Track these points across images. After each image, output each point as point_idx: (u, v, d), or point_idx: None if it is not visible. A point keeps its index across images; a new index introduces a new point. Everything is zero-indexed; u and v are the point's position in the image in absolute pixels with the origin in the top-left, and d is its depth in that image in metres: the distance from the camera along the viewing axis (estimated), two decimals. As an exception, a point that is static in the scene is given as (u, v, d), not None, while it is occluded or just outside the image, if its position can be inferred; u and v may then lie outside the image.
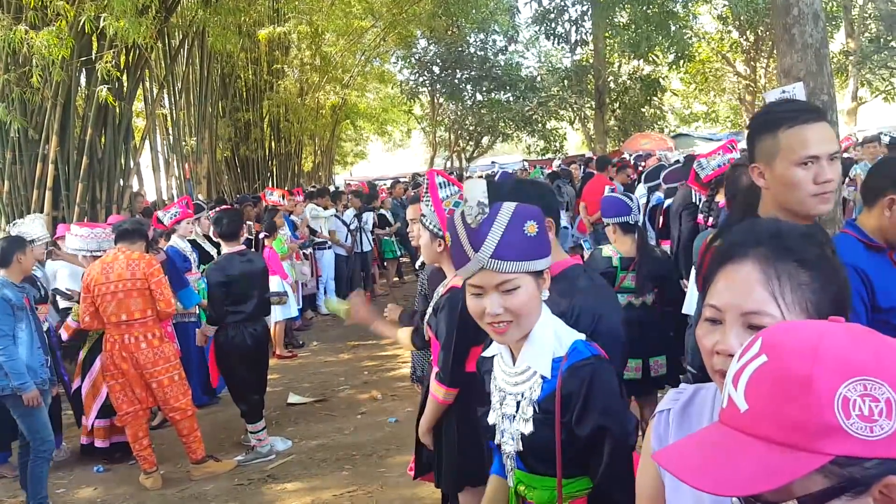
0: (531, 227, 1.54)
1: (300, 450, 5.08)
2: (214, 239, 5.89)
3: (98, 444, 5.06)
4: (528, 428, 1.59)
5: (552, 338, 1.61)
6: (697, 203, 5.12)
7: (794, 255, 1.03)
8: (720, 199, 4.47)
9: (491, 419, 1.70)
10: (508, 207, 1.56)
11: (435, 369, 2.62)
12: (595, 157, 12.84)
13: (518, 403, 1.62)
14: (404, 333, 2.97)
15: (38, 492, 4.20)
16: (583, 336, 1.63)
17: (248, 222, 8.06)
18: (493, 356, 1.75)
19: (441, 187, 2.58)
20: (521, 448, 1.61)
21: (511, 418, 1.63)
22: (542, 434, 1.57)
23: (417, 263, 4.88)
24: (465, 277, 1.60)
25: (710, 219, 4.62)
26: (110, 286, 4.44)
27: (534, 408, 1.58)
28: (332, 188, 14.35)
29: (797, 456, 0.69)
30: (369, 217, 10.79)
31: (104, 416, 4.99)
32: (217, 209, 6.71)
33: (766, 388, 0.72)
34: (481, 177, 15.31)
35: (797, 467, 0.69)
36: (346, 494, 4.29)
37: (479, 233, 1.54)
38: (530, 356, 1.61)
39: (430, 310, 2.69)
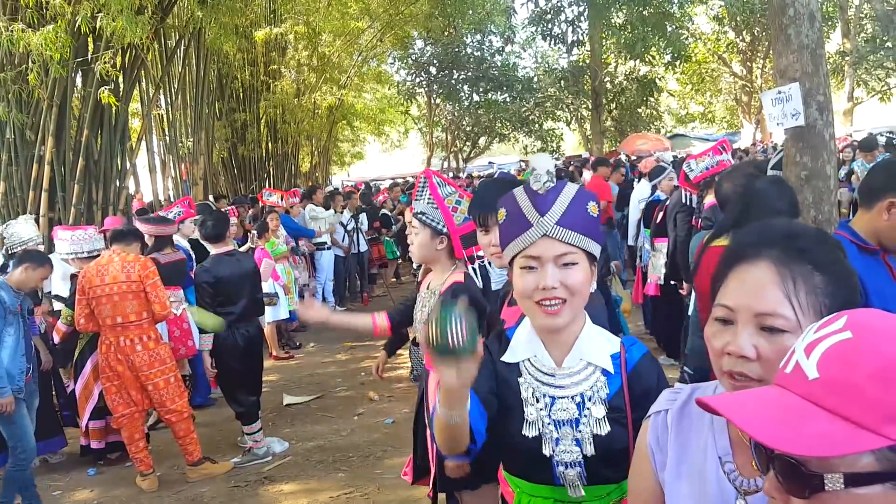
0: (593, 208, 1.51)
1: (297, 451, 5.07)
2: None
3: (94, 445, 5.04)
4: (605, 428, 1.48)
5: (602, 333, 1.57)
6: (689, 204, 5.17)
7: (809, 257, 1.02)
8: (709, 199, 4.51)
9: (530, 432, 1.52)
10: (573, 186, 1.53)
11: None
12: (592, 159, 12.89)
13: (579, 405, 1.51)
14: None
15: (29, 493, 4.22)
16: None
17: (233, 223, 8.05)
18: (518, 362, 1.59)
19: (440, 186, 2.60)
20: (594, 452, 1.48)
21: (573, 423, 1.50)
22: (617, 434, 1.49)
23: (415, 264, 4.93)
24: (519, 250, 1.51)
25: (699, 220, 4.71)
26: (105, 288, 4.43)
27: (605, 406, 1.49)
28: (329, 189, 14.34)
29: (859, 433, 0.69)
30: (364, 218, 10.79)
31: (98, 418, 4.97)
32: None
33: (844, 364, 0.73)
34: (480, 177, 15.33)
35: (856, 443, 0.69)
36: (342, 496, 4.28)
37: (547, 199, 1.49)
38: (587, 352, 1.52)
39: (424, 309, 2.68)
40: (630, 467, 1.29)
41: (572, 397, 1.51)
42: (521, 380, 1.56)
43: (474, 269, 2.62)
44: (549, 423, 1.51)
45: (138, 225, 5.63)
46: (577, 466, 1.50)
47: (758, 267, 1.03)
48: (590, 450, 1.48)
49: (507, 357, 1.60)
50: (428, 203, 2.59)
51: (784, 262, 1.01)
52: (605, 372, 1.52)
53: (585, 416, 1.50)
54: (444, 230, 2.59)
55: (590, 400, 1.50)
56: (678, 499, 1.15)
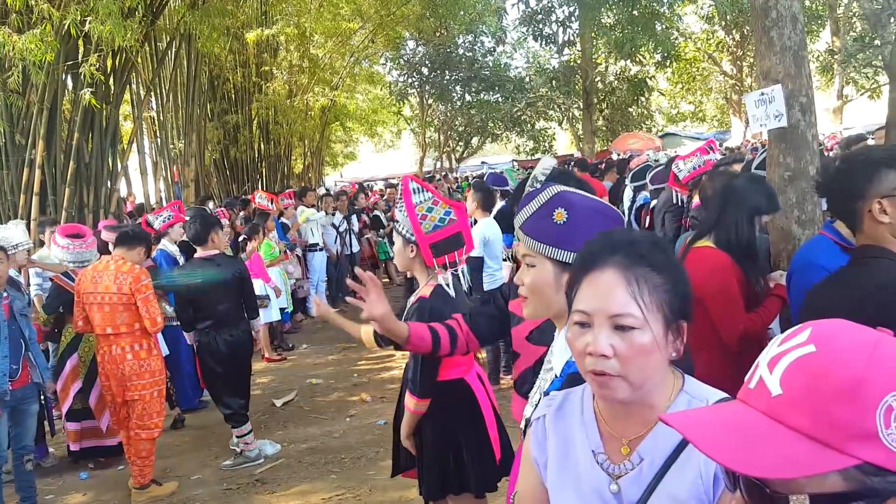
0: (559, 215, 1.54)
1: (289, 453, 5.08)
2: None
3: (72, 447, 5.01)
4: (529, 412, 1.62)
5: None
6: (679, 204, 5.20)
7: (647, 260, 1.13)
8: (697, 199, 4.55)
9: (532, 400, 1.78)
10: (553, 189, 1.57)
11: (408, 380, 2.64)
12: (577, 160, 12.98)
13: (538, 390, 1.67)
14: (366, 331, 2.83)
15: (28, 494, 4.20)
16: None
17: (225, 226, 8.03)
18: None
19: (415, 193, 2.56)
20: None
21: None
22: None
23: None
24: None
25: (686, 219, 4.74)
26: (97, 297, 4.35)
27: (540, 397, 1.60)
28: (322, 190, 14.31)
29: (824, 452, 0.67)
30: (355, 219, 10.80)
31: (74, 420, 4.94)
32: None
33: (808, 380, 0.70)
34: (468, 178, 15.35)
35: (821, 463, 0.67)
36: (334, 498, 4.30)
37: (522, 203, 1.61)
38: (553, 352, 1.62)
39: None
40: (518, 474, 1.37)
41: (541, 382, 1.67)
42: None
43: (455, 276, 2.59)
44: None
45: (104, 235, 5.53)
46: None
47: (606, 273, 1.13)
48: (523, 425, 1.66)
49: None
50: (400, 210, 2.59)
51: (627, 267, 1.12)
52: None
53: (531, 398, 1.67)
54: (413, 238, 2.54)
55: (539, 389, 1.65)
56: (560, 495, 1.23)
